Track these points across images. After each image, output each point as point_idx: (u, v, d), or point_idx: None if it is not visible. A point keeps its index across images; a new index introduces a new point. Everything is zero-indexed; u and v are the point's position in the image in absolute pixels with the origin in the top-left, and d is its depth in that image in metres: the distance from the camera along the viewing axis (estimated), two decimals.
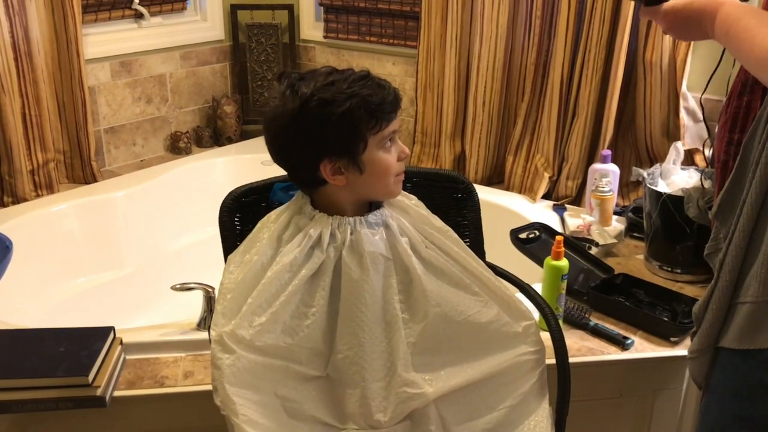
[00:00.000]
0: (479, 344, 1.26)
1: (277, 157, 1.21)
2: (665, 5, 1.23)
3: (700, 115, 2.30)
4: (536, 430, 1.27)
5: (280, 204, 1.30)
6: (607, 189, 2.20)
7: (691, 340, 1.28)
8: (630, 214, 2.25)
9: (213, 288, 1.75)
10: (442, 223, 1.32)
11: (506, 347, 1.28)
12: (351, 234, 1.20)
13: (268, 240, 1.21)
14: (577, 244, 2.03)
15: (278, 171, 1.43)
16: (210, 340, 1.20)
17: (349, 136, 1.14)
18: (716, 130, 1.32)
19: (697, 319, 1.25)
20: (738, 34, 1.07)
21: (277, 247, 1.21)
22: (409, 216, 1.27)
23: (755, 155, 1.12)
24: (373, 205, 1.26)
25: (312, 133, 1.14)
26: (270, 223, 1.24)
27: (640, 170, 2.05)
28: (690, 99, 2.30)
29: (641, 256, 2.10)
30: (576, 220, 2.26)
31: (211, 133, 3.10)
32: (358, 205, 1.24)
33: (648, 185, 1.99)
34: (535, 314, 1.77)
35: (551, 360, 1.38)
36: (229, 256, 1.26)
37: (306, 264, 1.18)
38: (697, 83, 2.30)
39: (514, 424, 1.27)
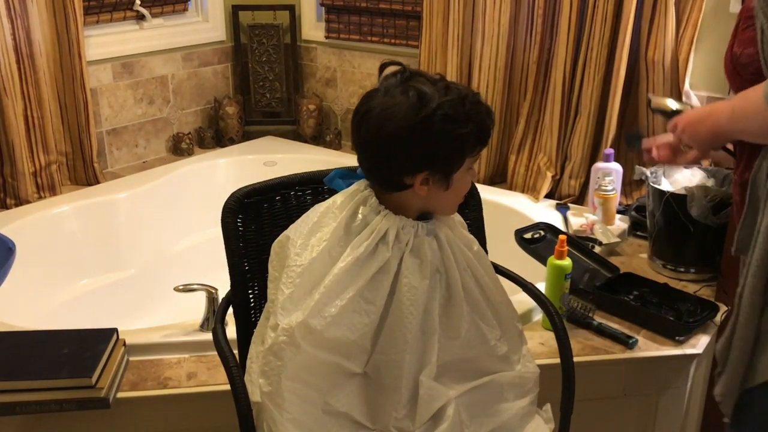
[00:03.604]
0: (490, 371, 1.29)
1: (376, 154, 1.17)
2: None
3: None
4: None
5: (333, 191, 1.28)
6: (610, 188, 2.20)
7: (716, 383, 1.28)
8: (633, 213, 2.24)
9: (216, 289, 1.75)
10: (479, 247, 1.32)
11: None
12: (414, 237, 1.20)
13: (337, 228, 1.19)
14: (582, 244, 2.02)
15: (279, 172, 1.43)
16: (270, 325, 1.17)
17: (455, 155, 1.16)
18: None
19: (722, 358, 1.25)
20: (740, 108, 1.19)
21: (345, 235, 1.19)
22: (452, 233, 1.28)
23: (764, 188, 1.14)
24: (420, 215, 1.26)
25: (427, 145, 1.13)
26: (335, 209, 1.22)
27: (643, 169, 2.05)
28: (693, 97, 2.29)
29: (644, 255, 2.09)
30: (579, 219, 2.25)
31: (213, 134, 3.10)
32: (418, 213, 1.24)
33: (651, 184, 1.99)
34: (539, 314, 1.78)
35: (555, 359, 1.38)
36: (289, 235, 1.22)
37: (373, 259, 1.17)
38: (699, 81, 2.30)
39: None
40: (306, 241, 1.20)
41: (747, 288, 1.16)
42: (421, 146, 1.13)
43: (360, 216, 1.20)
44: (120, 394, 1.53)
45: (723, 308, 1.78)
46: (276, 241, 1.25)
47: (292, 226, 1.24)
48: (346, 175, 1.28)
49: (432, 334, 1.20)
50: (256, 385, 1.18)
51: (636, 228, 2.22)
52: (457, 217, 1.32)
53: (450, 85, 1.16)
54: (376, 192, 1.21)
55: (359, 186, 1.23)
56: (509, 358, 1.30)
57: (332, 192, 1.27)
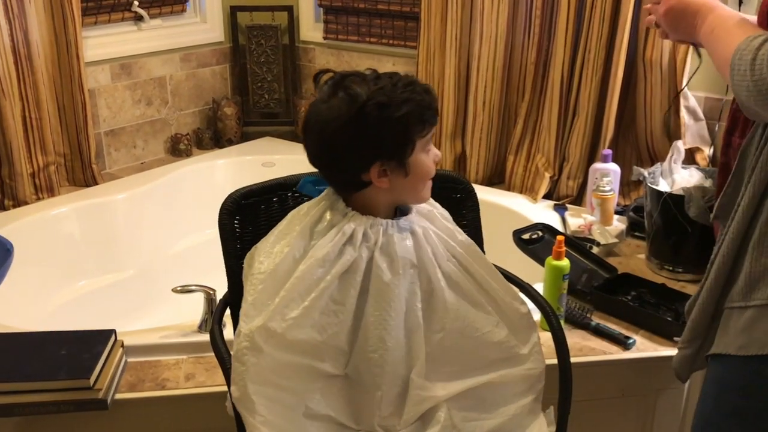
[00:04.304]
0: (489, 360, 1.29)
1: (325, 158, 1.20)
2: None
3: (700, 114, 2.30)
4: None
5: (307, 197, 1.29)
6: (608, 188, 2.20)
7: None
8: (631, 214, 2.24)
9: (214, 290, 1.75)
10: (466, 236, 1.32)
11: (513, 365, 1.30)
12: (383, 235, 1.20)
13: (300, 232, 1.20)
14: (579, 244, 2.02)
15: (278, 173, 1.43)
16: (232, 332, 1.19)
17: (401, 140, 1.16)
18: (716, 129, 1.34)
19: (687, 315, 1.28)
20: (719, 33, 1.15)
21: (309, 239, 1.20)
22: (434, 226, 1.28)
23: (752, 160, 1.13)
24: (398, 212, 1.27)
25: (369, 136, 1.15)
26: (301, 216, 1.24)
27: (641, 169, 2.05)
28: (690, 98, 2.29)
29: (642, 256, 2.09)
30: (577, 220, 2.26)
31: (212, 135, 3.10)
32: (390, 209, 1.25)
33: (649, 184, 1.99)
34: (537, 314, 1.78)
35: (553, 360, 1.38)
36: (257, 246, 1.25)
37: (338, 260, 1.18)
38: (697, 82, 2.29)
39: None
40: (271, 249, 1.21)
41: (719, 257, 1.17)
42: (362, 139, 1.15)
43: (326, 220, 1.21)
44: (118, 396, 1.53)
45: None
46: (247, 254, 1.26)
47: (261, 240, 1.25)
48: (318, 182, 1.29)
49: (416, 330, 1.20)
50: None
51: (634, 228, 2.22)
52: (439, 209, 1.32)
53: (381, 75, 1.18)
54: (344, 196, 1.23)
55: (328, 191, 1.25)
56: (509, 344, 1.29)
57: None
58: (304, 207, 1.25)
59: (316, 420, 1.18)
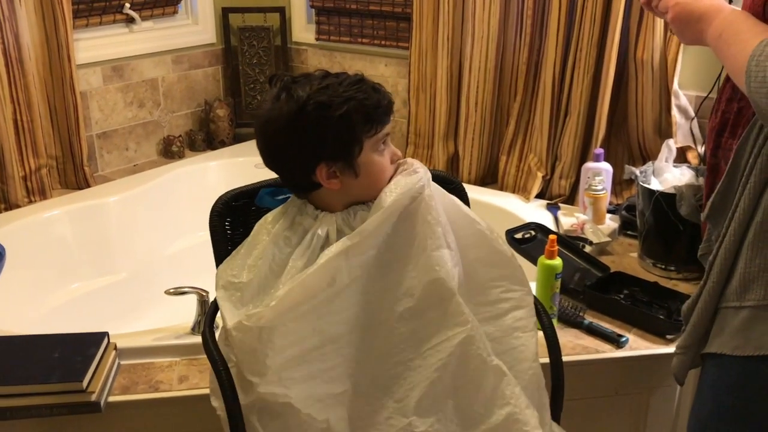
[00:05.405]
0: (485, 288, 1.25)
1: (271, 161, 1.20)
2: None
3: (692, 113, 2.31)
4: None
5: (268, 209, 1.29)
6: (600, 187, 2.21)
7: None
8: (623, 212, 2.25)
9: (207, 292, 1.75)
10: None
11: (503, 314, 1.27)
12: (359, 218, 1.19)
13: (272, 241, 1.20)
14: (572, 243, 2.03)
15: (271, 174, 1.43)
16: (208, 340, 1.19)
17: (346, 139, 1.14)
18: (707, 131, 1.33)
19: (686, 317, 1.27)
20: (728, 38, 1.10)
21: (284, 247, 1.19)
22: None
23: (748, 160, 1.13)
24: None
25: (309, 136, 1.14)
26: (268, 225, 1.23)
27: (633, 168, 2.06)
28: (682, 97, 2.30)
29: (635, 254, 2.10)
30: (570, 219, 2.26)
31: (204, 137, 3.09)
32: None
33: (641, 183, 2.00)
34: None
35: (545, 359, 1.38)
36: (226, 262, 1.24)
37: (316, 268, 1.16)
38: (688, 81, 2.31)
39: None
40: (243, 262, 1.21)
41: (719, 258, 1.17)
42: (303, 140, 1.14)
43: (297, 226, 1.20)
44: (111, 398, 1.53)
45: None
46: (216, 275, 1.26)
47: (228, 257, 1.25)
48: (276, 192, 1.29)
49: (423, 239, 1.17)
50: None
51: (626, 227, 2.23)
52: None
53: (330, 75, 1.16)
54: (305, 198, 1.22)
55: (294, 198, 1.24)
56: (503, 287, 1.26)
57: None
58: (269, 216, 1.24)
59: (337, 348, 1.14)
